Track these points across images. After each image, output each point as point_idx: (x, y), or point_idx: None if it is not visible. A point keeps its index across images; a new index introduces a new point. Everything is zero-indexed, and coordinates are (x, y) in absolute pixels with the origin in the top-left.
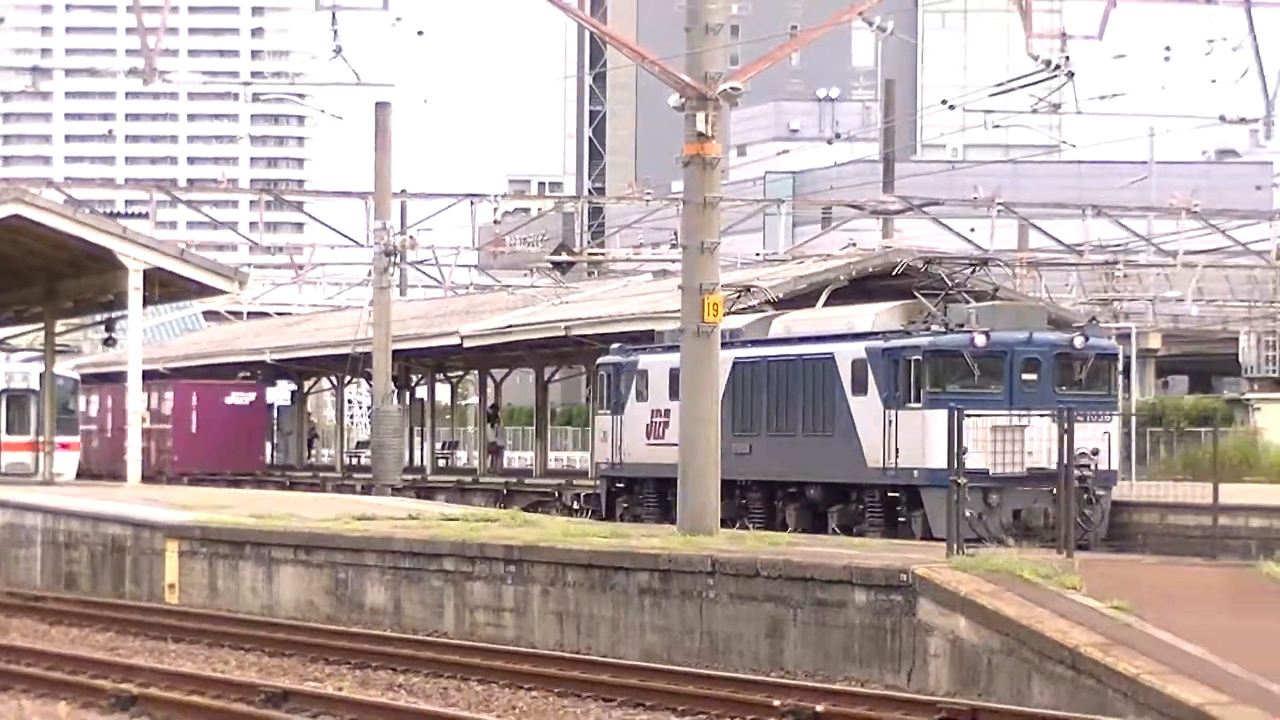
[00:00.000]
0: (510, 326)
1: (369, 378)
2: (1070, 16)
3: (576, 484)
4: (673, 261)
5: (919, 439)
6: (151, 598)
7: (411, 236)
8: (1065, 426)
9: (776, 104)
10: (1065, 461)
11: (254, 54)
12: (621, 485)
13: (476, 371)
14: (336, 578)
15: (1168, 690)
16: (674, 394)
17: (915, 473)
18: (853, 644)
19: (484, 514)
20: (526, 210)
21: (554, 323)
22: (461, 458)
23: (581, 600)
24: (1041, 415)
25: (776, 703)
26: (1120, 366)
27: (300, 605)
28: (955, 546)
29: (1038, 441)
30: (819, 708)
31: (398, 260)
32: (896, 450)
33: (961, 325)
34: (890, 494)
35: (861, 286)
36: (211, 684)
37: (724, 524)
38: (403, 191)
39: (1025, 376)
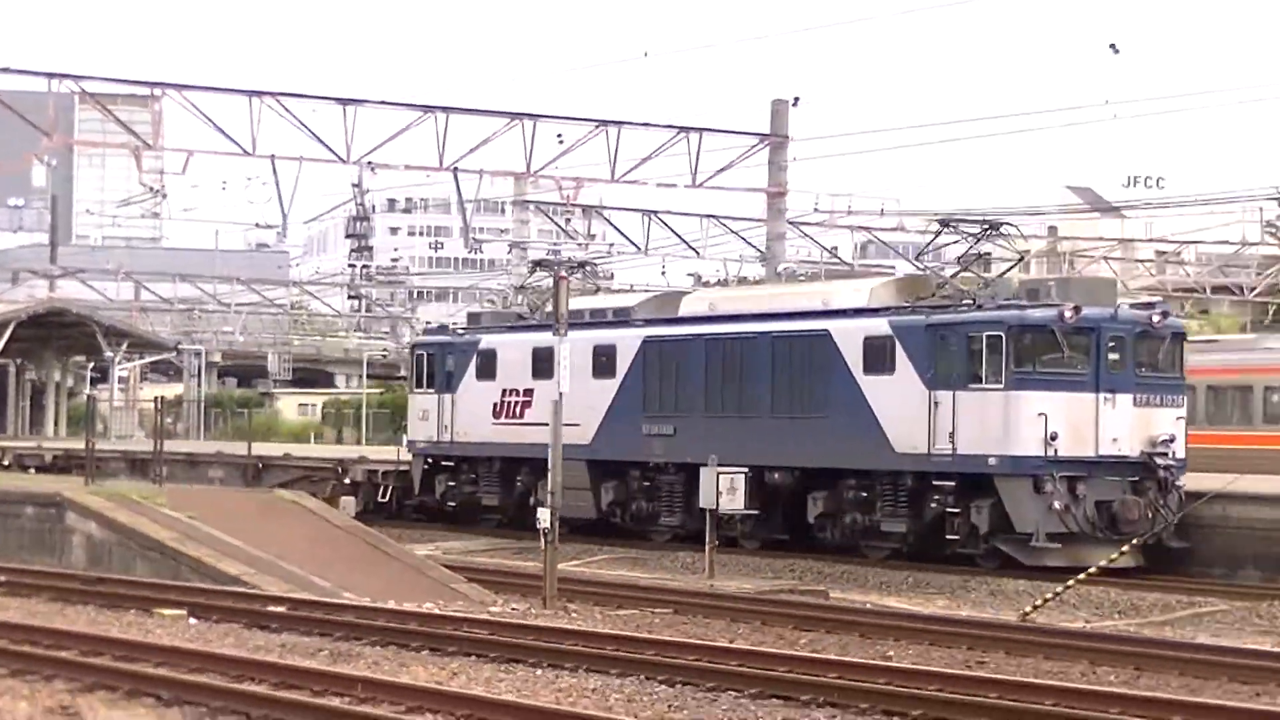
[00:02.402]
0: None
1: None
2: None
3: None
4: None
5: (998, 422)
6: None
7: None
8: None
9: None
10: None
11: None
12: (449, 463)
13: None
14: None
15: (220, 566)
16: (539, 373)
17: (991, 459)
18: (25, 540)
19: None
20: None
21: None
22: None
23: None
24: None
25: None
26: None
27: None
28: (90, 479)
29: (1122, 427)
30: (3, 578)
31: None
32: (951, 435)
33: (1010, 299)
34: (937, 481)
35: (37, 321)
36: None
37: (613, 509)
38: None
39: (1111, 356)
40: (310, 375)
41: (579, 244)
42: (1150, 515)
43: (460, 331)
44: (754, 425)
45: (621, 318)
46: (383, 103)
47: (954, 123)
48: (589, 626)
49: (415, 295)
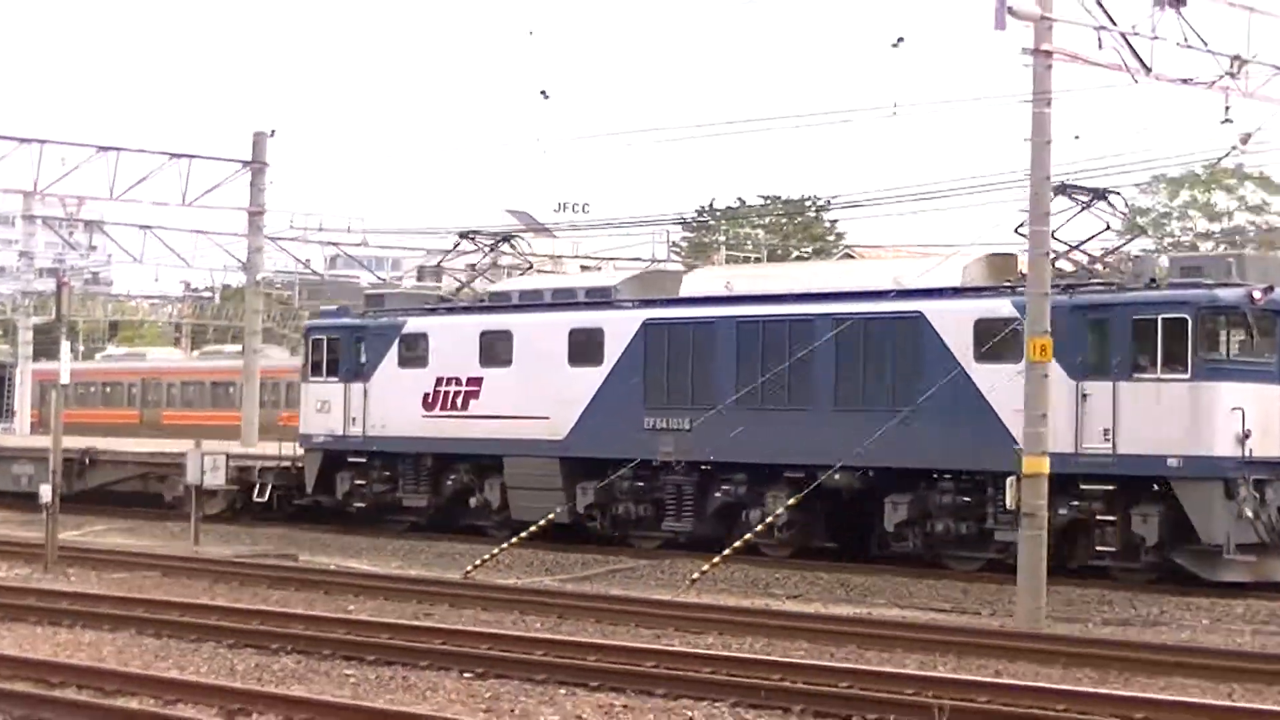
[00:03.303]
0: None
1: None
2: None
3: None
4: None
5: (1182, 418)
6: None
7: None
8: None
9: None
10: None
11: None
12: (358, 460)
13: None
14: None
15: None
16: (490, 360)
17: (1171, 460)
18: None
19: None
20: None
21: None
22: None
23: None
24: None
25: None
26: None
27: None
28: None
29: None
30: None
31: None
32: (1108, 432)
33: (1154, 281)
34: (1086, 485)
35: None
36: None
37: (591, 512)
38: None
39: None
40: None
41: (81, 254)
42: None
43: (380, 312)
44: (807, 420)
45: (600, 298)
46: None
47: (408, 152)
48: (85, 588)
49: None
